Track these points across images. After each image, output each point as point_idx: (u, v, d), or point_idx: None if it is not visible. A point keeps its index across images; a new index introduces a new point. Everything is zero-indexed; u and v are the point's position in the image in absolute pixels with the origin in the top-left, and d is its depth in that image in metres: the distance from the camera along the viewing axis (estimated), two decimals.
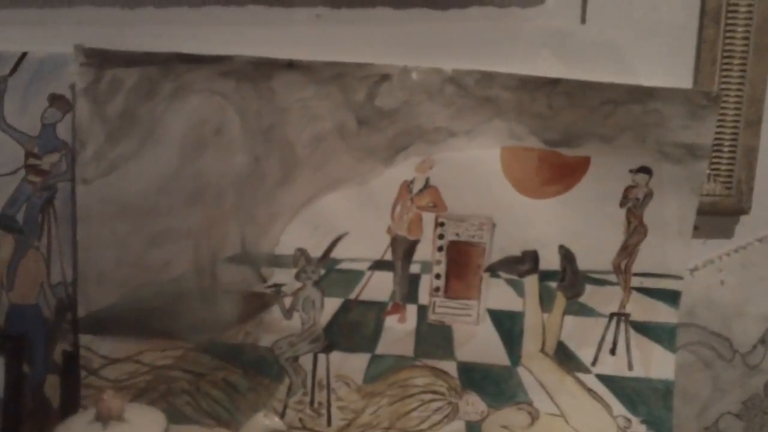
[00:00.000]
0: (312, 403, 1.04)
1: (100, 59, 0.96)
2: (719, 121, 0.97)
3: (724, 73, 0.98)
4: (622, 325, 1.01)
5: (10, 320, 1.04)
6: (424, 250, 1.02)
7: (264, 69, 0.96)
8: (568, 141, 0.97)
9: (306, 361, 1.04)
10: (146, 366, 1.04)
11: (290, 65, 0.95)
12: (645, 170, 0.97)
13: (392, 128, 0.97)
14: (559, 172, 0.98)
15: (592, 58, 0.97)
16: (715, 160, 1.00)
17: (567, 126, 0.96)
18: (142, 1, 0.98)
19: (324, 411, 1.04)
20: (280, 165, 0.99)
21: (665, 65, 0.98)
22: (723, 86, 0.98)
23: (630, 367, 1.02)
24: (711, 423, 1.06)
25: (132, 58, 0.95)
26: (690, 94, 0.95)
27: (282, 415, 1.04)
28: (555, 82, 0.95)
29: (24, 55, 0.98)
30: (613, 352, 1.02)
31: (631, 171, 0.97)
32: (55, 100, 1.00)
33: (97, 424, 0.76)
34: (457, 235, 1.01)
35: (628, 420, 1.02)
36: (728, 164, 1.00)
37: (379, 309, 1.03)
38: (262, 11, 0.98)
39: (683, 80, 0.98)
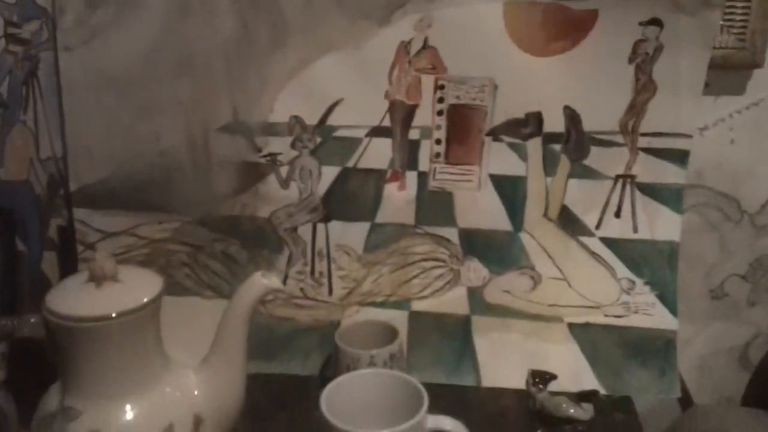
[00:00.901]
0: (312, 272, 1.03)
1: None
2: None
3: None
4: (628, 187, 0.99)
5: (2, 197, 1.02)
6: (424, 115, 0.99)
7: None
8: None
9: (305, 231, 1.02)
10: (143, 239, 1.03)
11: None
12: (656, 22, 0.92)
13: None
14: (565, 27, 0.93)
15: None
16: (728, 10, 0.94)
17: None
18: None
19: (325, 280, 1.04)
20: (269, 28, 0.94)
21: None
22: None
23: (635, 229, 1.00)
24: (716, 285, 1.05)
25: None
26: None
27: (283, 285, 1.02)
28: None
29: None
30: (618, 214, 1.00)
31: (641, 23, 0.92)
32: None
33: (91, 285, 0.74)
34: (458, 98, 0.97)
35: (632, 282, 1.01)
36: (743, 15, 0.95)
37: (378, 177, 1.00)
38: None
39: None
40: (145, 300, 0.73)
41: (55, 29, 0.95)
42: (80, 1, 0.94)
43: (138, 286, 0.75)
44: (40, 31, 0.97)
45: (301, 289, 1.03)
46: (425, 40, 0.95)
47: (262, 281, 0.77)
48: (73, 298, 0.73)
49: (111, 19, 0.95)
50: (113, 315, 0.71)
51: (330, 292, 1.03)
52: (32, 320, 0.77)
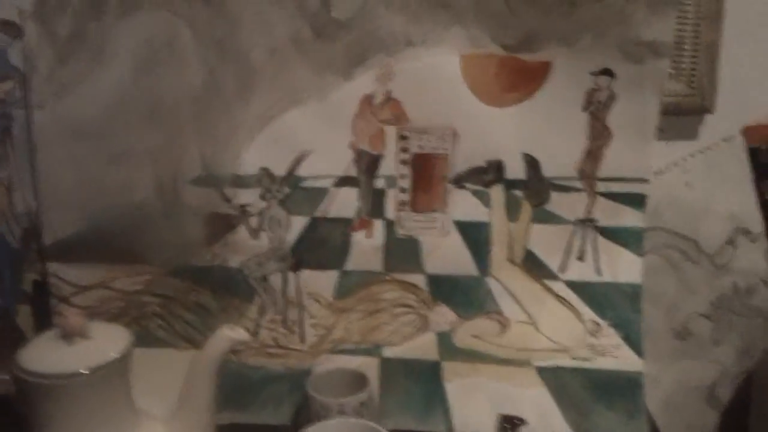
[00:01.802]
0: (284, 321, 1.05)
1: None
2: (679, 17, 0.95)
3: None
4: (589, 231, 1.01)
5: None
6: (388, 164, 1.01)
7: None
8: (527, 45, 0.95)
9: (276, 279, 1.04)
10: (117, 292, 1.04)
11: None
12: (607, 72, 0.96)
13: (349, 38, 0.96)
14: (520, 78, 0.97)
15: None
16: (676, 58, 0.98)
17: (526, 29, 0.94)
18: None
19: (296, 328, 1.05)
20: (236, 80, 0.98)
21: None
22: None
23: (598, 272, 1.02)
24: (680, 324, 1.07)
25: None
26: None
27: (255, 335, 1.04)
28: None
29: None
30: (580, 258, 1.03)
31: (592, 73, 0.96)
32: (4, 25, 0.99)
33: (61, 342, 0.76)
34: (421, 147, 1.00)
35: (597, 324, 1.02)
36: (691, 62, 0.98)
37: (345, 225, 1.03)
38: None
39: None
40: (114, 356, 0.75)
41: (28, 87, 0.98)
42: (52, 58, 0.98)
43: (108, 342, 0.76)
44: (13, 90, 1.00)
45: (274, 338, 1.05)
46: (388, 93, 0.98)
47: (228, 334, 0.79)
48: (44, 356, 0.75)
49: (82, 73, 0.98)
50: (83, 371, 0.72)
51: (302, 339, 1.05)
52: (3, 377, 0.78)
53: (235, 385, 1.01)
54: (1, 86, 1.00)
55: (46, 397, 0.73)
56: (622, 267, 1.02)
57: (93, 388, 0.74)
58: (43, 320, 1.04)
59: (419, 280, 1.03)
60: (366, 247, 1.03)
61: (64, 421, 0.73)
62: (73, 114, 0.97)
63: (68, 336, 0.76)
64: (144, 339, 0.99)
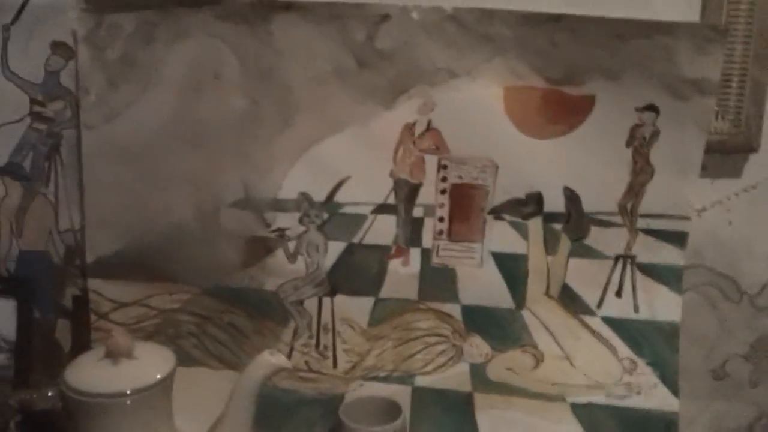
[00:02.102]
0: (317, 345, 1.05)
1: (99, 5, 0.96)
2: (727, 55, 0.95)
3: (732, 6, 0.95)
4: (628, 267, 1.00)
5: (20, 266, 1.06)
6: (427, 193, 1.01)
7: (262, 11, 0.95)
8: (572, 79, 0.95)
9: (311, 304, 1.04)
10: (154, 310, 1.05)
11: (288, 6, 0.94)
12: (652, 108, 0.95)
13: (392, 69, 0.96)
14: (563, 112, 0.96)
15: None
16: (723, 97, 0.97)
17: (571, 63, 0.94)
18: None
19: (329, 354, 1.05)
20: (279, 108, 0.99)
21: None
22: (731, 19, 0.96)
23: (636, 309, 1.01)
24: (718, 365, 1.05)
25: (130, 3, 0.96)
26: (697, 28, 0.92)
27: (288, 358, 1.03)
28: (558, 18, 0.93)
29: (25, 2, 0.99)
30: (618, 294, 1.01)
31: (637, 109, 0.95)
32: (57, 47, 1.01)
33: (107, 361, 0.78)
34: (460, 177, 1.00)
35: (634, 362, 1.01)
36: (737, 101, 0.97)
37: (382, 252, 1.03)
38: None
39: (690, 13, 0.95)
40: (159, 377, 0.77)
41: (78, 108, 1.00)
42: (103, 81, 0.99)
43: (152, 363, 0.78)
44: (64, 110, 1.02)
45: (306, 362, 1.05)
46: (428, 122, 0.98)
47: (270, 360, 0.79)
48: (90, 374, 0.77)
49: (131, 98, 1.00)
50: (128, 392, 0.74)
51: (335, 365, 1.05)
52: (49, 393, 0.80)
53: (268, 408, 1.00)
54: (52, 106, 1.02)
55: (90, 415, 0.75)
56: (661, 304, 1.00)
57: (137, 409, 0.76)
58: (81, 335, 1.05)
59: (454, 310, 1.03)
60: (402, 275, 1.03)
61: None
62: (121, 136, 0.98)
63: (114, 355, 0.78)
64: (179, 358, 0.99)
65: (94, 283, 1.04)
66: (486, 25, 0.93)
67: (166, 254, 1.02)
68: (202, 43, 0.96)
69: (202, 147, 1.00)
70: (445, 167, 1.00)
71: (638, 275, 1.00)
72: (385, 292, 1.03)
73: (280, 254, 1.03)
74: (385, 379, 1.04)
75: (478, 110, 0.97)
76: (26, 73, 1.01)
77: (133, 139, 1.00)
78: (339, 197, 1.01)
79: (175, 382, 0.81)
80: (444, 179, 1.00)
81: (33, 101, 1.02)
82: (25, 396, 0.83)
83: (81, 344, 1.04)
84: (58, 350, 1.06)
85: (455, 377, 1.04)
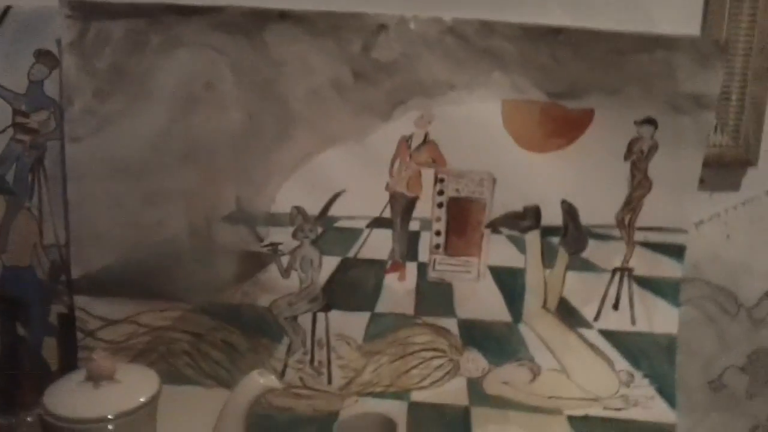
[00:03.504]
0: (312, 362, 1.03)
1: (85, 11, 0.93)
2: (727, 70, 0.94)
3: (733, 20, 0.95)
4: (626, 281, 1.00)
5: (5, 283, 1.03)
6: (424, 207, 1.00)
7: (256, 20, 0.93)
8: (571, 93, 0.94)
9: (305, 320, 1.03)
10: (144, 327, 1.03)
11: (282, 15, 0.92)
12: (650, 122, 0.94)
13: (390, 82, 0.95)
14: (562, 126, 0.96)
15: (596, 5, 0.93)
16: (722, 110, 0.97)
17: (571, 77, 0.93)
18: None
19: (324, 370, 1.03)
20: (274, 121, 0.96)
21: (672, 13, 0.94)
22: (731, 34, 0.95)
23: (633, 322, 1.01)
24: (715, 377, 1.05)
25: (119, 10, 0.93)
26: (697, 43, 0.92)
27: (282, 375, 1.03)
28: (558, 32, 0.92)
29: (8, 9, 0.95)
30: (615, 307, 1.01)
31: (636, 123, 0.95)
32: (41, 55, 0.98)
33: (89, 384, 0.75)
34: (457, 191, 0.99)
35: (631, 375, 1.01)
36: (736, 115, 0.97)
37: (378, 267, 1.01)
38: None
39: (691, 28, 0.95)
40: (142, 400, 0.74)
41: (62, 119, 0.97)
42: (89, 91, 0.96)
43: (135, 386, 0.76)
44: (48, 121, 0.99)
45: (301, 379, 1.03)
46: (426, 135, 0.97)
47: (259, 380, 0.78)
48: (71, 399, 0.74)
49: (119, 109, 0.97)
50: (110, 416, 0.72)
51: (329, 381, 1.03)
52: (29, 419, 0.77)
53: (262, 426, 0.99)
54: (36, 116, 0.99)
55: None
56: (658, 318, 1.00)
57: None
58: (69, 354, 1.03)
59: (451, 324, 1.02)
60: (398, 290, 1.01)
61: None
62: (109, 149, 0.96)
63: (96, 379, 0.75)
64: (171, 376, 0.98)
65: (81, 300, 1.01)
66: (486, 37, 0.91)
67: (157, 270, 1.00)
68: (194, 52, 0.94)
69: (194, 160, 0.97)
70: (442, 181, 0.98)
71: (635, 288, 1.00)
72: (380, 307, 1.02)
73: (273, 269, 1.01)
74: (381, 395, 1.03)
75: (477, 123, 0.96)
76: (9, 83, 0.98)
77: (121, 152, 0.97)
78: (334, 211, 1.00)
79: (166, 401, 0.79)
80: (441, 193, 0.99)
81: (16, 112, 0.99)
82: (3, 422, 0.80)
83: (68, 363, 1.02)
84: (45, 369, 1.03)
85: (452, 392, 1.03)
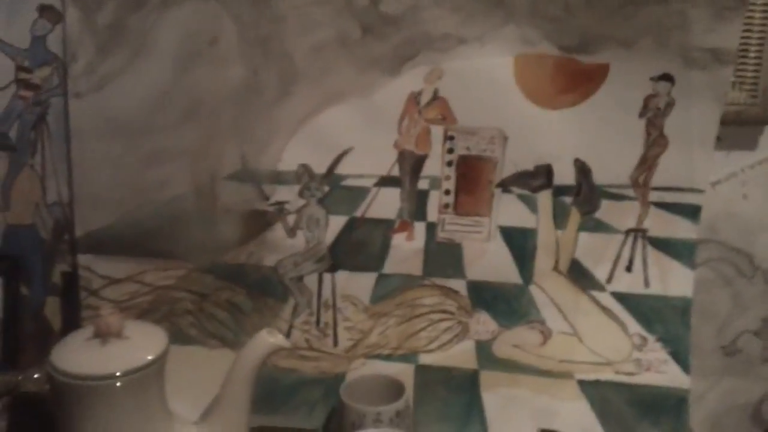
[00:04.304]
0: (318, 323, 1.02)
1: None
2: (745, 24, 0.92)
3: None
4: (639, 242, 0.98)
5: (7, 241, 1.02)
6: (433, 165, 0.98)
7: None
8: (585, 46, 0.91)
9: (311, 280, 1.01)
10: (148, 286, 1.01)
11: None
12: (667, 78, 0.91)
13: (398, 36, 0.92)
14: (576, 80, 0.93)
15: None
16: (740, 67, 0.94)
17: (584, 30, 0.90)
18: None
19: (330, 331, 1.02)
20: (278, 77, 0.94)
21: None
22: None
23: (647, 284, 0.99)
24: (729, 341, 1.03)
25: None
26: None
27: (287, 336, 1.01)
28: None
29: None
30: (629, 269, 0.99)
31: (652, 79, 0.92)
32: (44, 10, 0.96)
33: (96, 341, 0.74)
34: (468, 149, 0.96)
35: (644, 338, 0.99)
36: (754, 71, 0.95)
37: (385, 227, 0.99)
38: None
39: None
40: (150, 358, 0.73)
41: (66, 75, 0.95)
42: (92, 47, 0.95)
43: (143, 343, 0.74)
44: (50, 77, 0.98)
45: (306, 340, 1.02)
46: (435, 91, 0.95)
47: (268, 339, 0.76)
48: (78, 356, 0.73)
49: (122, 66, 0.95)
50: (118, 374, 0.70)
51: (335, 343, 1.02)
52: (36, 375, 0.76)
53: (267, 388, 0.98)
54: (39, 72, 0.97)
55: (79, 398, 0.71)
56: (673, 280, 0.98)
57: (128, 391, 0.72)
58: (71, 313, 1.02)
59: (460, 286, 1.00)
60: (406, 251, 1.00)
61: (97, 423, 0.71)
62: (111, 106, 0.94)
63: (103, 336, 0.74)
64: (174, 336, 0.95)
65: (84, 259, 1.00)
66: None
67: (161, 229, 0.98)
68: (198, 8, 0.92)
69: (197, 118, 0.95)
70: (451, 138, 0.96)
71: (649, 250, 0.98)
72: (388, 267, 1.00)
73: (279, 229, 1.00)
74: (388, 358, 1.01)
75: (487, 79, 0.93)
76: (11, 38, 0.96)
77: (124, 109, 0.95)
78: (341, 169, 0.98)
79: (170, 361, 0.77)
80: (450, 151, 0.97)
81: (19, 68, 0.97)
82: (10, 378, 0.79)
83: (71, 323, 1.00)
84: (47, 329, 1.02)
85: (460, 355, 1.01)
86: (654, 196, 0.96)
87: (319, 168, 0.98)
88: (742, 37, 0.91)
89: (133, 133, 0.96)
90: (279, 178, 0.98)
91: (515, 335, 1.00)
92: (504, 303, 1.00)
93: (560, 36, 0.91)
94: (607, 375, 0.99)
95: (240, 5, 0.92)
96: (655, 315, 0.98)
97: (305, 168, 0.97)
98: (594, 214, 0.97)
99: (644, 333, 0.99)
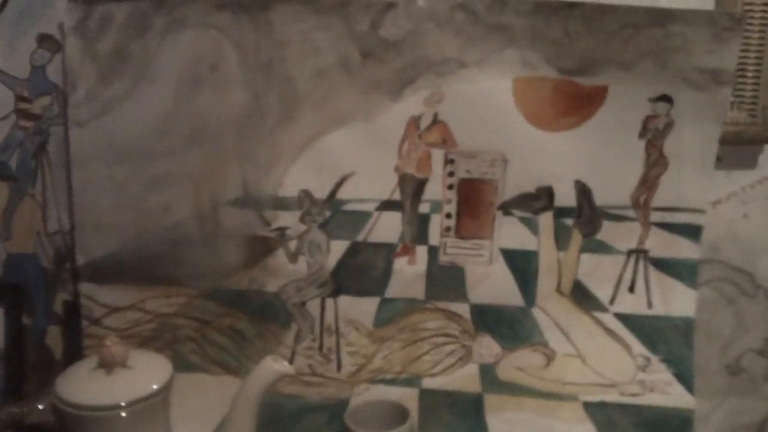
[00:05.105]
0: (321, 348, 1.02)
1: None
2: (743, 44, 0.92)
3: None
4: (641, 262, 0.98)
5: (8, 270, 1.00)
6: (434, 189, 0.98)
7: None
8: (584, 69, 0.92)
9: (314, 306, 1.01)
10: (150, 314, 1.01)
11: None
12: (665, 98, 0.92)
13: (398, 60, 0.93)
14: (575, 103, 0.93)
15: None
16: (738, 87, 0.95)
17: (584, 53, 0.91)
18: None
19: (333, 356, 1.02)
20: (280, 102, 0.95)
21: None
22: (747, 7, 0.93)
23: (649, 305, 0.99)
24: (733, 360, 1.03)
25: None
26: (713, 16, 0.90)
27: (290, 362, 1.01)
28: (571, 6, 0.90)
29: None
30: (631, 289, 0.99)
31: (650, 100, 0.93)
32: (43, 40, 0.96)
33: (101, 371, 0.73)
34: (468, 172, 0.97)
35: (648, 359, 0.99)
36: (753, 90, 0.95)
37: (388, 251, 0.99)
38: None
39: (706, 1, 0.92)
40: (156, 387, 0.73)
41: (66, 105, 0.95)
42: (93, 75, 0.95)
43: (148, 372, 0.74)
44: (50, 106, 0.97)
45: (310, 366, 1.01)
46: (435, 115, 0.95)
47: (273, 366, 0.76)
48: (83, 386, 0.72)
49: (123, 93, 0.96)
50: (123, 404, 0.70)
51: (339, 368, 1.01)
52: (40, 407, 0.75)
53: (271, 415, 0.97)
54: (39, 102, 0.97)
55: (84, 429, 0.71)
56: (675, 300, 0.98)
57: (133, 421, 0.72)
58: (73, 342, 1.01)
59: (463, 309, 1.00)
60: (408, 274, 0.99)
61: None
62: (113, 133, 0.94)
63: (108, 365, 0.74)
64: (177, 363, 0.95)
65: (85, 288, 1.00)
66: (497, 13, 0.89)
67: (163, 256, 0.98)
68: (199, 34, 0.92)
69: (199, 143, 0.96)
70: (452, 161, 0.96)
71: (651, 270, 0.98)
72: (390, 291, 1.00)
73: (281, 254, 0.99)
74: (392, 382, 1.01)
75: (487, 102, 0.94)
76: (11, 68, 0.96)
77: (126, 136, 0.95)
78: (342, 194, 0.98)
79: (174, 389, 0.77)
80: (451, 174, 0.97)
81: (18, 98, 0.97)
82: (15, 409, 0.78)
83: (73, 351, 1.00)
84: (49, 358, 1.01)
85: (464, 378, 1.01)
86: (655, 216, 0.96)
87: (320, 193, 0.98)
88: (740, 57, 0.92)
89: (135, 159, 0.96)
90: (280, 204, 0.98)
91: (519, 358, 1.00)
92: (507, 326, 1.00)
93: (560, 59, 0.92)
94: (611, 396, 0.99)
95: (241, 32, 0.92)
96: (659, 335, 0.98)
97: (306, 193, 0.97)
98: (596, 236, 0.98)
99: (648, 354, 0.99)
